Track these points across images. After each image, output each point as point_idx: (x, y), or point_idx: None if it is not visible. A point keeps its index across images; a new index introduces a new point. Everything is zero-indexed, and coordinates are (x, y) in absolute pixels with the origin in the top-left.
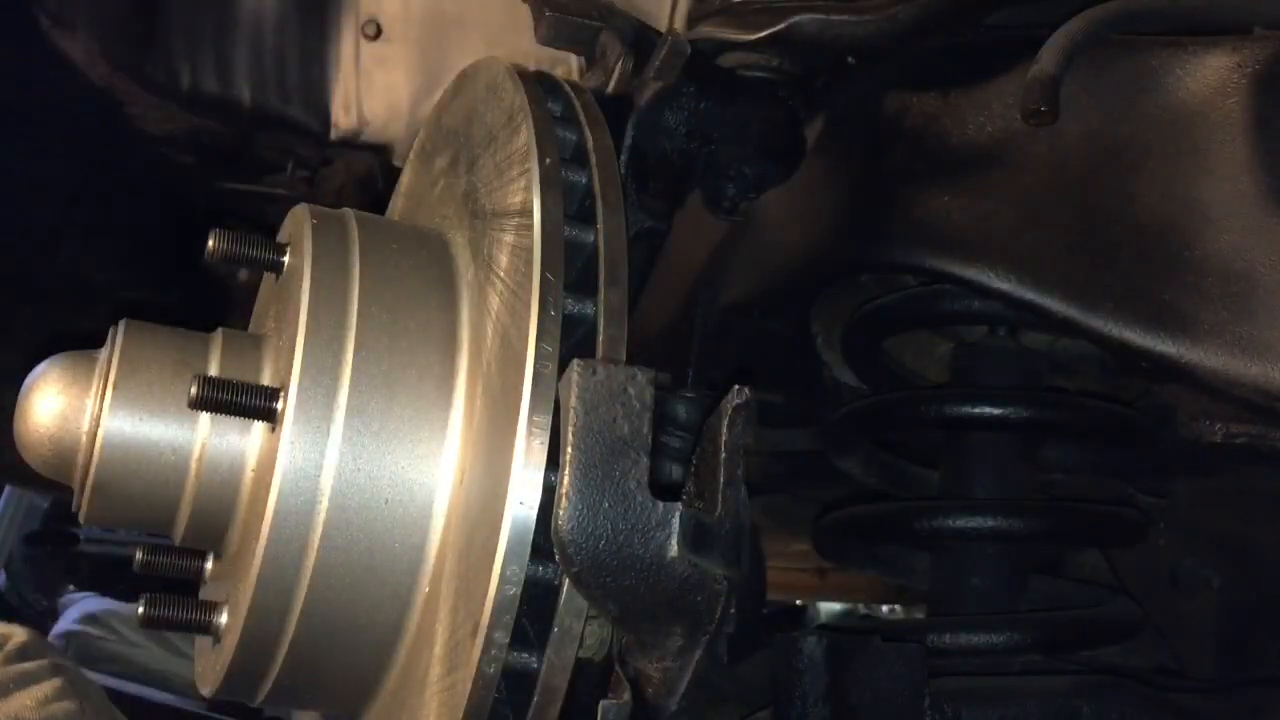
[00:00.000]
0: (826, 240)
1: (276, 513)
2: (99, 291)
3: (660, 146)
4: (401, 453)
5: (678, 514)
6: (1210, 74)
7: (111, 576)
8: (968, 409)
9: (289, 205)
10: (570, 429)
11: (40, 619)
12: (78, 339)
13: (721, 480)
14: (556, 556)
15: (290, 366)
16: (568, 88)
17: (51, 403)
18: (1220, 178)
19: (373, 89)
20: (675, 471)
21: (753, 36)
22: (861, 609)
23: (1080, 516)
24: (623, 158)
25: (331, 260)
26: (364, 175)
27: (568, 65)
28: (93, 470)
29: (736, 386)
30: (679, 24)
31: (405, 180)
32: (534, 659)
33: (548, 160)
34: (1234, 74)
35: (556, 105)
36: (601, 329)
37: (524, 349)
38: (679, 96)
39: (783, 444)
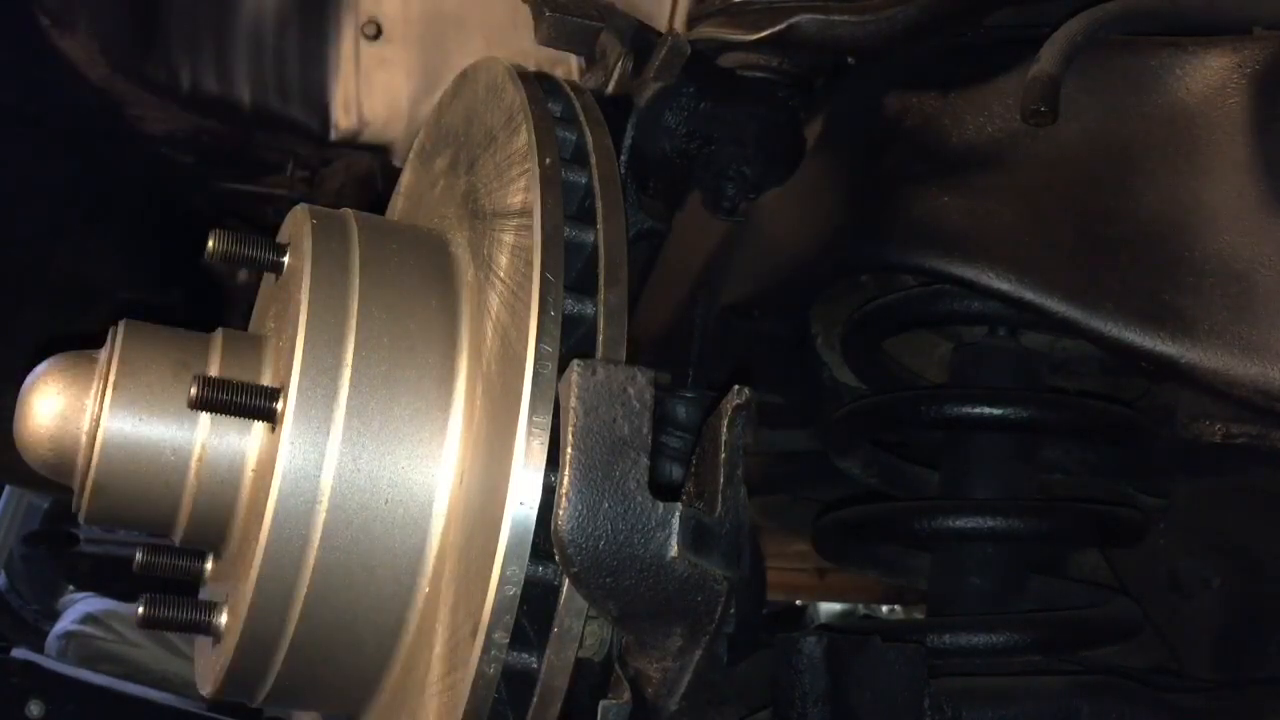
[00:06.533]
0: (826, 240)
1: (276, 513)
2: (99, 291)
3: (660, 146)
4: (401, 453)
5: (677, 514)
6: (1210, 74)
7: (111, 576)
8: (968, 409)
9: (289, 205)
10: (570, 429)
11: (40, 619)
12: (78, 339)
13: (721, 480)
14: (556, 556)
15: (290, 366)
16: (568, 88)
17: (51, 403)
18: (1220, 178)
19: (373, 89)
20: (675, 471)
21: (753, 37)
22: (861, 609)
23: (1080, 516)
24: (623, 158)
25: (331, 260)
26: (364, 175)
27: (568, 65)
28: (92, 470)
29: (736, 386)
30: (679, 24)
31: (405, 180)
32: (534, 659)
33: (548, 160)
34: (1234, 74)
35: (556, 105)
36: (601, 329)
37: (524, 349)
38: (679, 97)
39: (783, 444)
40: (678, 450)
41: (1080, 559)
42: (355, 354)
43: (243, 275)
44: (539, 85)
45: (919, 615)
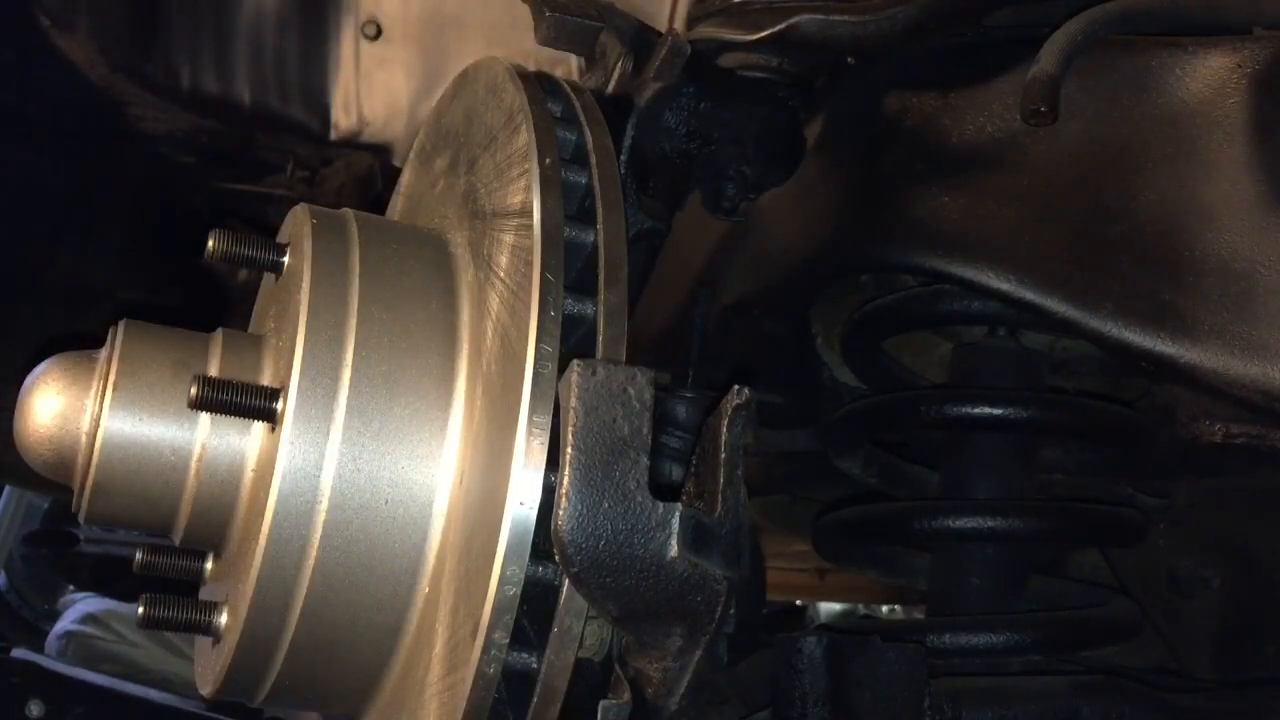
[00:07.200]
0: (826, 240)
1: (276, 513)
2: (99, 291)
3: (660, 146)
4: (401, 453)
5: (677, 514)
6: (1210, 74)
7: (111, 576)
8: (968, 409)
9: (289, 205)
10: (570, 429)
11: (40, 619)
12: (78, 339)
13: (721, 480)
14: (556, 556)
15: (290, 366)
16: (568, 88)
17: (51, 403)
18: (1220, 178)
19: (373, 89)
20: (675, 471)
21: (753, 37)
22: (861, 609)
23: (1080, 516)
24: (623, 158)
25: (331, 260)
26: (364, 175)
27: (568, 65)
28: (92, 470)
29: (736, 386)
30: (679, 24)
31: (405, 180)
32: (534, 659)
33: (548, 160)
34: (1234, 74)
35: (556, 105)
36: (601, 329)
37: (524, 349)
38: (679, 97)
39: (783, 444)
40: (678, 450)
41: (1080, 559)
42: (355, 354)
43: (243, 275)
44: (539, 85)
45: (919, 615)
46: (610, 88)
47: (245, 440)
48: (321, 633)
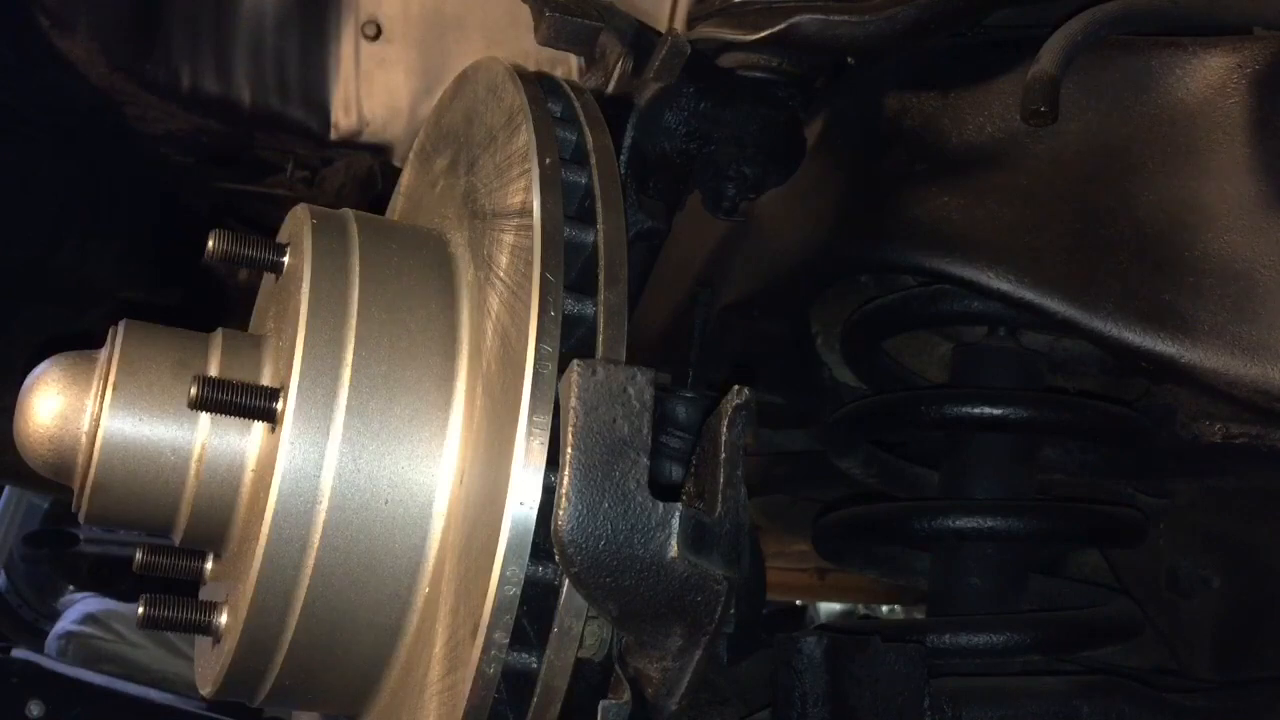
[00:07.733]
0: (826, 240)
1: (276, 513)
2: (99, 291)
3: (660, 147)
4: (401, 453)
5: (677, 514)
6: (1210, 74)
7: (111, 576)
8: (968, 409)
9: (289, 205)
10: (570, 429)
11: (40, 619)
12: (78, 339)
13: (721, 480)
14: (556, 556)
15: (290, 366)
16: (568, 88)
17: (51, 403)
18: (1220, 178)
19: (373, 89)
20: (675, 471)
21: (753, 37)
22: (861, 609)
23: (1080, 517)
24: (623, 158)
25: (331, 260)
26: (364, 175)
27: (568, 65)
28: (92, 470)
29: (736, 386)
30: (679, 24)
31: (405, 180)
32: (534, 659)
33: (548, 160)
34: (1234, 74)
35: (556, 105)
36: (601, 329)
37: (524, 349)
38: (679, 97)
39: (783, 444)
40: (678, 450)
41: (1080, 559)
42: (355, 354)
43: (243, 275)
44: (539, 85)
45: (919, 615)
46: (610, 88)
47: (245, 440)
48: (321, 633)
